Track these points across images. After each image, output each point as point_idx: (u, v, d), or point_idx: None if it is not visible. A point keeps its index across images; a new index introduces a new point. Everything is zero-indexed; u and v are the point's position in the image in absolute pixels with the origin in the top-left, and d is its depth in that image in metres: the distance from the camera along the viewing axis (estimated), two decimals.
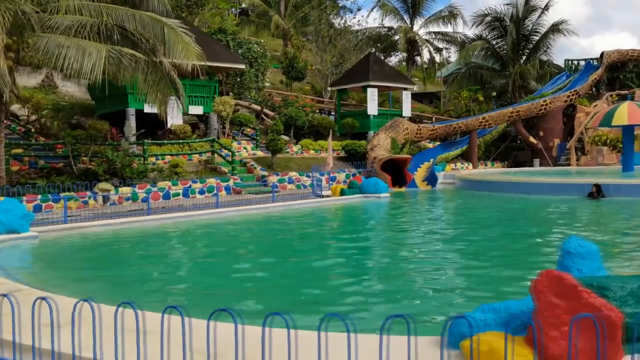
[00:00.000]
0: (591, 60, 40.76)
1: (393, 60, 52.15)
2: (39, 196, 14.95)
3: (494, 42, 40.90)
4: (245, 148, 25.81)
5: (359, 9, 71.77)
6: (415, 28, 48.66)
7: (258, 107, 30.67)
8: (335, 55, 38.35)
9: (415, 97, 47.70)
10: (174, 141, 22.27)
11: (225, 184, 20.31)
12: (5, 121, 17.09)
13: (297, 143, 27.76)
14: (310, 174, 22.27)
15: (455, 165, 31.24)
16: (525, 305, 3.62)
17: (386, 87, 32.65)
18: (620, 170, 22.66)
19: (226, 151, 22.73)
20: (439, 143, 33.28)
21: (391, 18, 48.55)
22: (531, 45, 40.18)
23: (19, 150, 19.51)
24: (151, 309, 4.13)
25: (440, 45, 49.61)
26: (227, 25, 31.69)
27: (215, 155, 22.64)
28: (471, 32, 47.85)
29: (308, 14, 41.96)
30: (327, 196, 18.39)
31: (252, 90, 31.58)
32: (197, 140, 23.12)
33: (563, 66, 42.50)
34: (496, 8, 40.21)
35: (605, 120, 22.21)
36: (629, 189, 16.32)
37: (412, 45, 46.99)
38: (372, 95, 30.50)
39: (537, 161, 33.15)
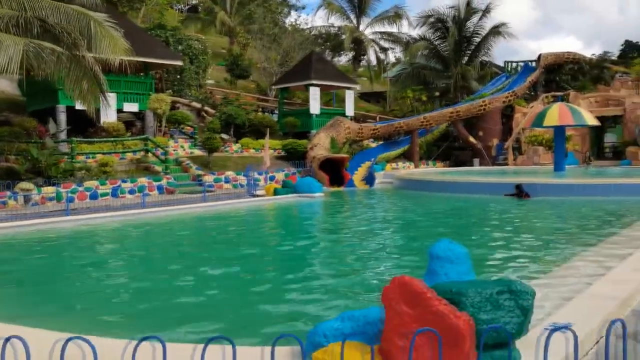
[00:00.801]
0: (529, 62, 41.95)
1: (342, 59, 52.20)
2: None
3: (437, 43, 41.38)
4: (182, 147, 25.23)
5: (303, 8, 71.57)
6: (362, 28, 48.91)
7: (198, 105, 30.11)
8: (280, 54, 38.07)
9: (363, 96, 47.89)
10: (105, 139, 21.43)
11: (158, 183, 19.76)
12: None
13: (237, 142, 27.34)
14: (247, 174, 21.96)
15: (397, 165, 31.46)
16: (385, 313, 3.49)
17: (329, 86, 32.59)
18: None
19: (161, 150, 22.12)
20: (381, 143, 33.50)
21: (337, 17, 48.62)
22: (472, 47, 40.84)
23: None
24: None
25: (386, 45, 49.97)
26: (165, 20, 30.95)
27: (149, 154, 22.00)
28: (415, 32, 48.28)
29: (253, 11, 41.50)
30: (261, 196, 18.16)
31: (192, 87, 30.96)
32: (130, 138, 22.39)
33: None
34: (439, 9, 40.75)
35: (537, 121, 22.79)
36: (556, 189, 16.70)
37: (358, 45, 47.18)
38: (314, 94, 30.37)
39: (477, 161, 33.73)
